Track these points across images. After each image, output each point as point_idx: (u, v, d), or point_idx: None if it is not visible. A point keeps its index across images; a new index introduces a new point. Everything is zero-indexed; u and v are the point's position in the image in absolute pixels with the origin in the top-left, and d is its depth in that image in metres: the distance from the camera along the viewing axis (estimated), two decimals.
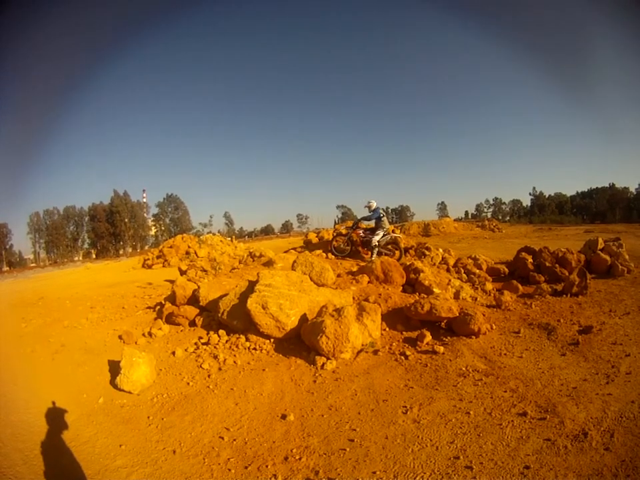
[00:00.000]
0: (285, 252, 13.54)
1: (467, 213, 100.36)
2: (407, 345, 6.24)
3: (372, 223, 11.97)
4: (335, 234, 12.70)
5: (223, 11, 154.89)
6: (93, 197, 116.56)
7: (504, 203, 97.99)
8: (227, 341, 6.86)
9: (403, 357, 5.82)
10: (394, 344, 6.33)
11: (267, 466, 3.68)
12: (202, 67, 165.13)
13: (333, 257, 11.60)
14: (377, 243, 11.24)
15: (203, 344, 6.88)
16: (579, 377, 4.73)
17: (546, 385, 4.58)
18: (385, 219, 11.70)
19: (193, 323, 7.82)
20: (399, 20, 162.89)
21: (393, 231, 12.52)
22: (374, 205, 11.73)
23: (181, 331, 7.70)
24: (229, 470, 3.68)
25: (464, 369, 5.23)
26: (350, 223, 12.66)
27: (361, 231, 11.65)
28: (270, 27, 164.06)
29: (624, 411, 3.87)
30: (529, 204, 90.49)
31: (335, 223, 55.73)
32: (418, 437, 3.83)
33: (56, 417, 4.71)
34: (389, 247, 11.44)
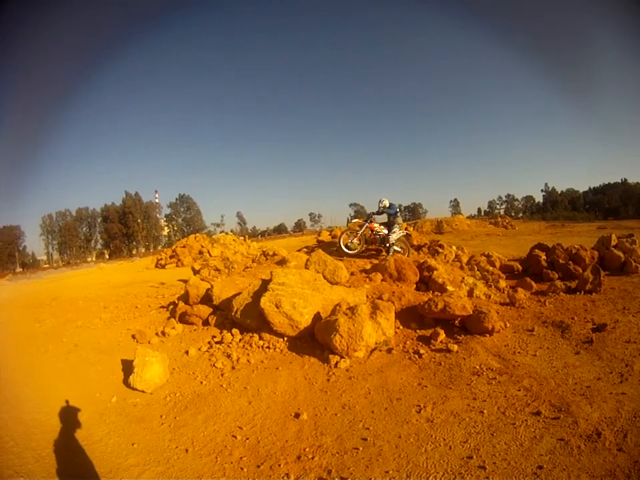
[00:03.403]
0: (298, 250, 13.54)
1: (479, 209, 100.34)
2: (420, 344, 6.23)
3: (384, 218, 11.69)
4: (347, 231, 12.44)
5: (233, 10, 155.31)
6: (105, 199, 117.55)
7: (516, 200, 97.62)
8: (240, 340, 6.89)
9: (416, 356, 5.82)
10: (408, 342, 6.33)
11: (279, 465, 3.70)
12: (213, 66, 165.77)
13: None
14: (394, 242, 11.05)
15: (216, 343, 6.93)
16: (593, 375, 4.70)
17: (560, 384, 4.56)
18: (399, 214, 11.59)
19: (206, 322, 7.87)
20: (410, 18, 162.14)
21: (406, 228, 12.33)
22: (387, 203, 11.50)
23: (195, 330, 7.75)
24: (242, 469, 3.71)
25: (478, 367, 5.22)
26: (362, 220, 12.16)
27: (375, 225, 11.25)
28: (280, 25, 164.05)
29: (637, 410, 3.84)
30: (542, 200, 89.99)
31: (348, 221, 55.32)
32: (431, 436, 3.84)
33: (69, 416, 4.74)
34: (400, 244, 11.30)
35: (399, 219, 11.45)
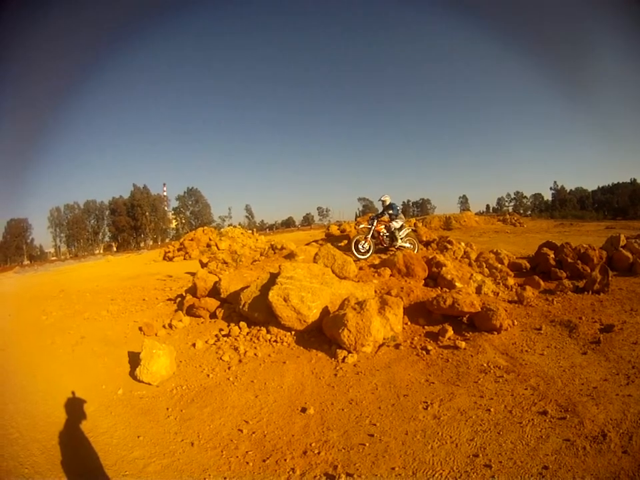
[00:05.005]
0: (307, 244, 13.53)
1: (488, 206, 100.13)
2: (428, 340, 6.23)
3: (386, 217, 11.76)
4: (356, 227, 12.46)
5: (236, 8, 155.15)
6: (113, 192, 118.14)
7: (525, 197, 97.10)
8: (247, 333, 6.92)
9: (424, 352, 5.82)
10: (415, 338, 6.33)
11: (285, 459, 3.70)
12: (222, 61, 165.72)
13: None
14: (403, 237, 11.12)
15: (223, 336, 6.97)
16: (600, 376, 4.68)
17: (567, 384, 4.55)
18: (401, 213, 11.65)
19: (213, 315, 7.91)
20: (427, 19, 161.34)
21: (415, 224, 12.35)
22: (388, 199, 11.57)
23: (202, 322, 7.79)
24: (247, 463, 3.71)
25: (485, 365, 5.22)
26: (367, 225, 12.10)
27: (382, 227, 11.28)
28: (288, 22, 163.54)
29: None
30: (550, 198, 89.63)
31: (356, 216, 55.28)
32: (438, 433, 3.84)
33: (74, 408, 4.77)
34: (409, 239, 11.30)
35: (402, 217, 11.51)
